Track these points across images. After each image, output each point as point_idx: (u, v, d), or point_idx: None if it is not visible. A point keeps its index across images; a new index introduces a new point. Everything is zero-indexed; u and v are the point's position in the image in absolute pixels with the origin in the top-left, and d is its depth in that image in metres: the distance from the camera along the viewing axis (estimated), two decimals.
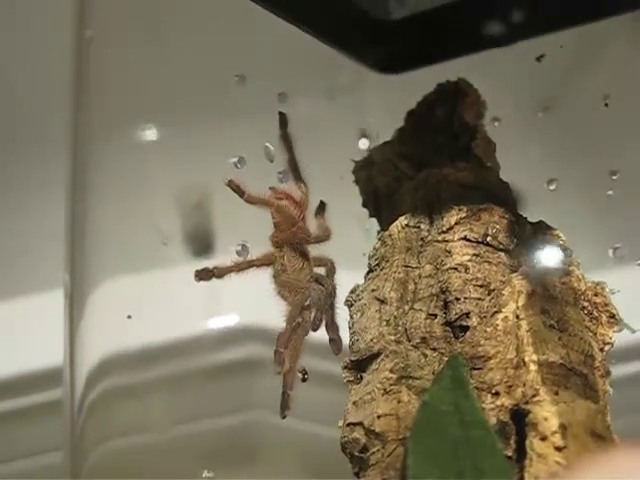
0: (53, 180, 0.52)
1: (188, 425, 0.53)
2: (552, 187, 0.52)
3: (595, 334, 0.41)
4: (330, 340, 0.46)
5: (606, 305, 0.42)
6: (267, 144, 0.45)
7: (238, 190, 0.43)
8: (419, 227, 0.44)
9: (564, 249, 0.43)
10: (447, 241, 0.43)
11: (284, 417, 0.43)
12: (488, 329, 0.39)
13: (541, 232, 0.44)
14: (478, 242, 0.43)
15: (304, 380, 0.45)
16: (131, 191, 0.50)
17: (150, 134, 0.49)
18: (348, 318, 0.44)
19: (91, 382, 0.49)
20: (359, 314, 0.43)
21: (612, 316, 0.42)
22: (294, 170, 0.46)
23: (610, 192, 0.53)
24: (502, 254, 0.43)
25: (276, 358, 0.43)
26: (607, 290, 0.42)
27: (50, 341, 0.51)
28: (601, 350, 0.41)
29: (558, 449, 0.34)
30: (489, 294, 0.41)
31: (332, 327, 0.46)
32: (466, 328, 0.40)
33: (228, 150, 0.43)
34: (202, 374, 0.54)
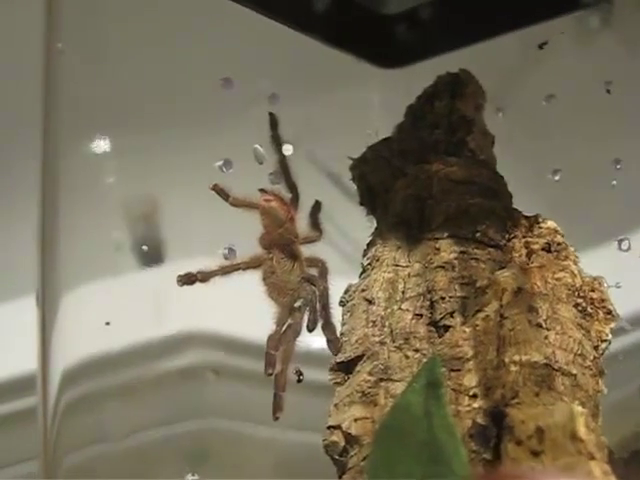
0: (24, 189, 0.52)
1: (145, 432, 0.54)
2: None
3: (589, 332, 0.39)
4: (327, 341, 0.46)
5: (603, 301, 0.40)
6: (256, 146, 0.45)
7: (222, 194, 0.43)
8: (409, 225, 0.44)
9: (558, 244, 0.42)
10: (436, 239, 0.42)
11: (277, 419, 0.43)
12: (467, 329, 0.38)
13: (537, 226, 0.43)
14: (467, 239, 0.42)
15: (299, 381, 0.45)
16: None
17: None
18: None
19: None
20: (348, 315, 0.43)
21: (609, 312, 0.40)
22: (285, 171, 0.45)
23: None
24: (492, 250, 0.42)
25: (267, 360, 0.43)
26: (605, 285, 0.41)
27: (23, 348, 0.52)
28: (596, 348, 0.39)
29: (534, 454, 0.33)
30: (475, 292, 0.40)
31: (328, 328, 0.45)
32: (449, 328, 0.39)
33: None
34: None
